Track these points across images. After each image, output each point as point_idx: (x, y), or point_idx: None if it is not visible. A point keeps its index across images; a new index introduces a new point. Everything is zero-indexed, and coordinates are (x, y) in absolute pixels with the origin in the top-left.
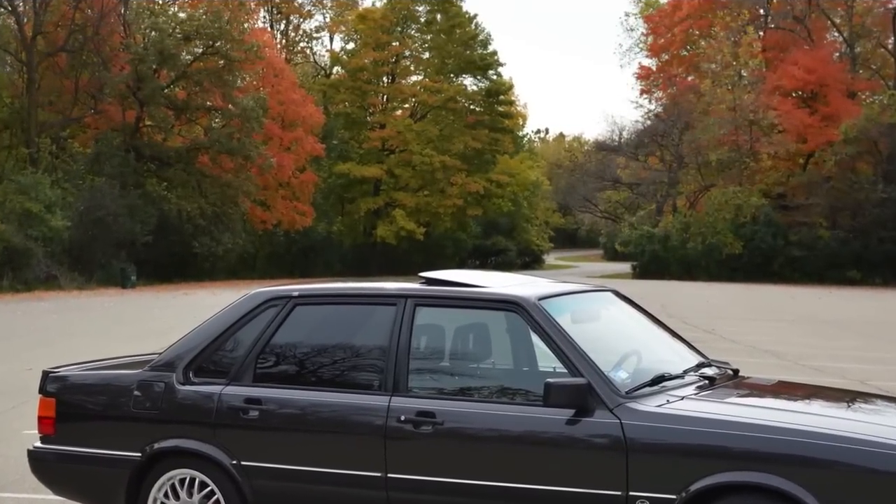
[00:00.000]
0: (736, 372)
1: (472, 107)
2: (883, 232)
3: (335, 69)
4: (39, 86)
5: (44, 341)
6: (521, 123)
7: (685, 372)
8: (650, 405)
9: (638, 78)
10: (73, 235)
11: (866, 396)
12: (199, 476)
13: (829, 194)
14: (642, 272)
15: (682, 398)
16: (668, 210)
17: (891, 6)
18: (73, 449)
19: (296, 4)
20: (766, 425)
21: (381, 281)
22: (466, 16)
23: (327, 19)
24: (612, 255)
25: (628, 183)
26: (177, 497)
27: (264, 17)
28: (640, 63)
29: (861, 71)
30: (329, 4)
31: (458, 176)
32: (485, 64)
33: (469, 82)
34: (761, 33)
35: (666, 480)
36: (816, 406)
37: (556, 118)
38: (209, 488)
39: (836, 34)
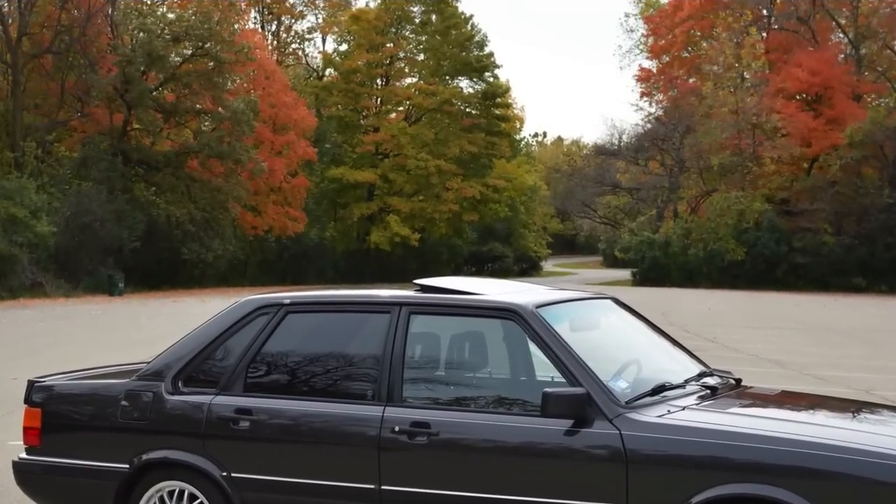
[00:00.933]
0: (738, 381)
1: (467, 110)
2: (889, 238)
3: (328, 71)
4: (25, 88)
5: (29, 350)
6: (518, 127)
7: (686, 381)
8: (650, 415)
9: (638, 80)
10: (59, 241)
11: (871, 406)
12: (189, 488)
13: (833, 199)
14: (642, 279)
15: (684, 408)
16: (668, 215)
17: None
18: (59, 460)
19: (287, 5)
20: (769, 436)
21: (375, 288)
22: (462, 17)
23: (320, 20)
24: (612, 262)
25: (628, 188)
26: None
27: (255, 17)
28: (640, 65)
29: (867, 73)
30: (321, 5)
31: (453, 181)
32: (481, 66)
33: (465, 85)
34: (764, 34)
35: (667, 492)
36: (820, 416)
37: (554, 121)
38: (199, 500)
39: (841, 35)
